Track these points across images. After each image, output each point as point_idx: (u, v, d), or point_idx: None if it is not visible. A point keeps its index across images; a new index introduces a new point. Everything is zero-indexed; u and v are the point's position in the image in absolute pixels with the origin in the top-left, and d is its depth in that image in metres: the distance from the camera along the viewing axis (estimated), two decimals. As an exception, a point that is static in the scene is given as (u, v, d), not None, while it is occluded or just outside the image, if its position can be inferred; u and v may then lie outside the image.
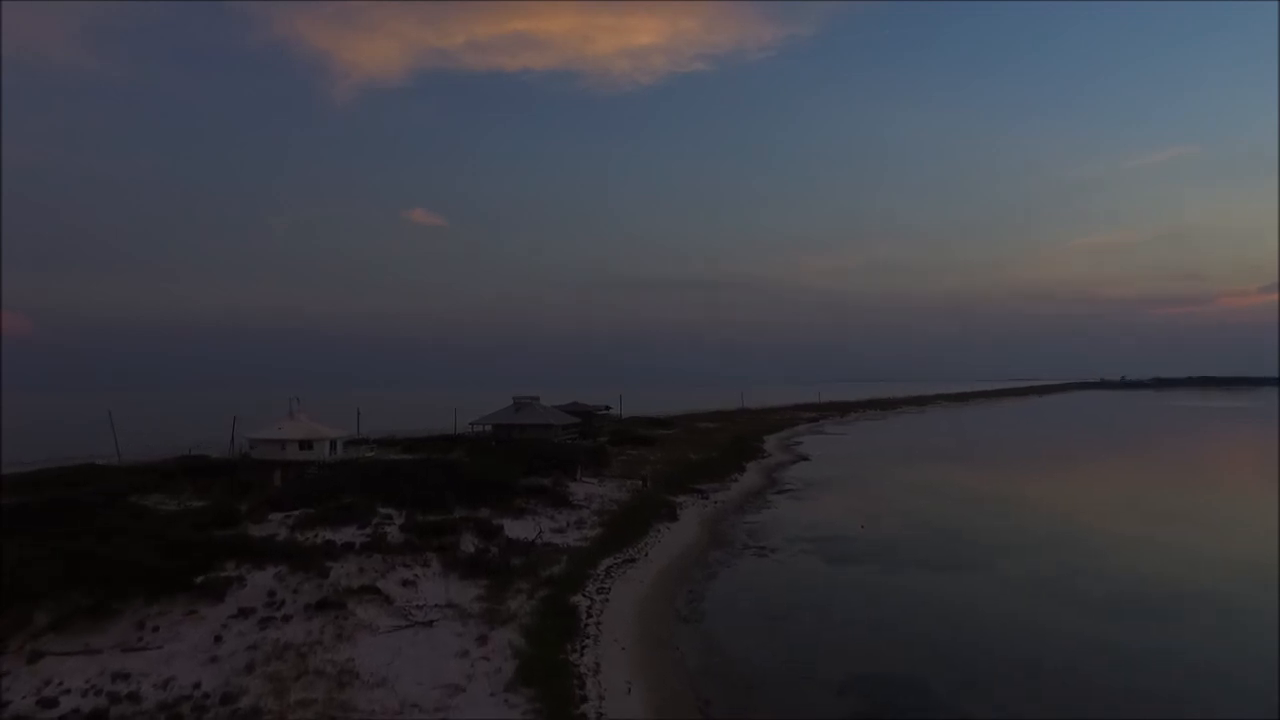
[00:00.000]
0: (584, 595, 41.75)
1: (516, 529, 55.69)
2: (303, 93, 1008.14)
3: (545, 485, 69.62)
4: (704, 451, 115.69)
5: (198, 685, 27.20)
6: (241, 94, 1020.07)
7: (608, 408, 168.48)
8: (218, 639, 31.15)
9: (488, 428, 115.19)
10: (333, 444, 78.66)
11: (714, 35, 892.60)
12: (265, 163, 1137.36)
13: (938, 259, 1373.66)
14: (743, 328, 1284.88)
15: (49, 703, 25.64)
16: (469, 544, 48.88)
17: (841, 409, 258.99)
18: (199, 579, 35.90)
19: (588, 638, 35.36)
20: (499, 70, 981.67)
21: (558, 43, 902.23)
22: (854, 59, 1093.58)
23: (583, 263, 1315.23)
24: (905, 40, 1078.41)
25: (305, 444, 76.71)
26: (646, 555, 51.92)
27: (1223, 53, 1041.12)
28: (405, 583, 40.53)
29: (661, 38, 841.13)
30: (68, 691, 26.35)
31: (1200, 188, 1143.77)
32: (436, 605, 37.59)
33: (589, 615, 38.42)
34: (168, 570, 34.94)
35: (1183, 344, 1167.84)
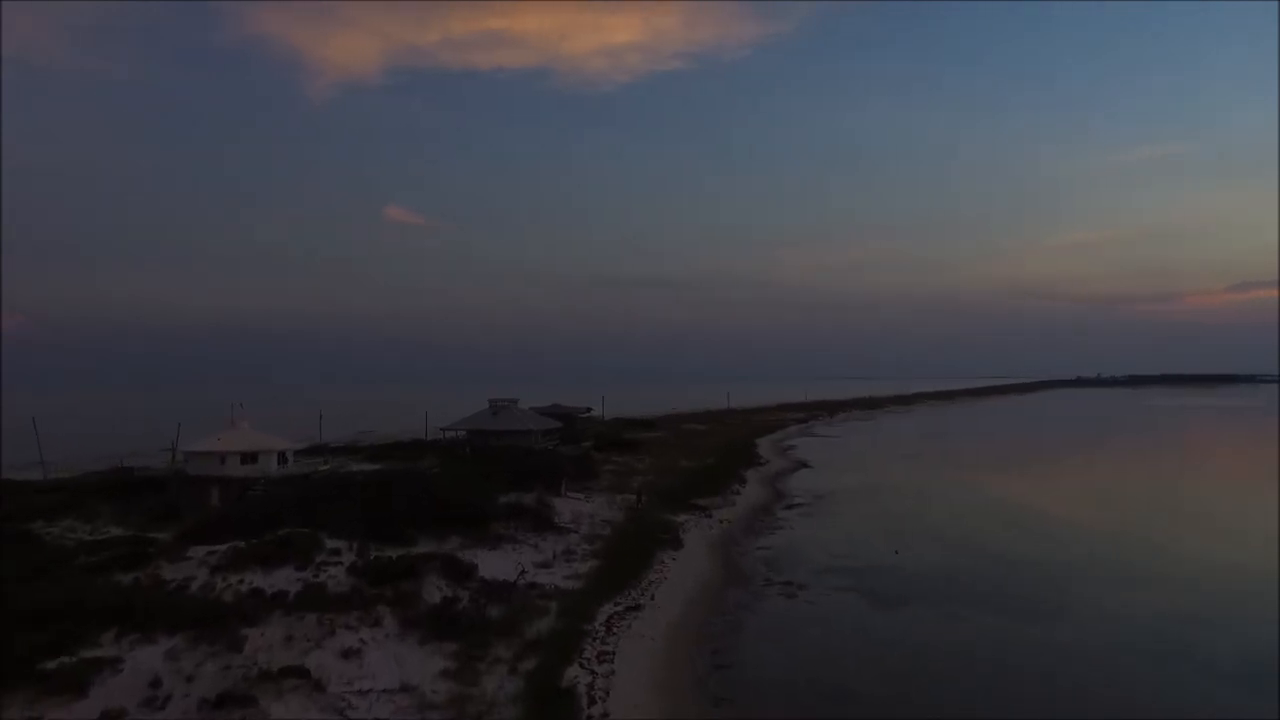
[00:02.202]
0: (581, 665, 32.32)
1: (493, 564, 46.16)
2: (279, 90, 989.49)
3: (527, 505, 60.03)
4: (696, 458, 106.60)
5: None
6: (217, 91, 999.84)
7: (589, 409, 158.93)
8: (56, 771, 21.38)
9: (461, 433, 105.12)
10: (281, 456, 68.48)
11: (693, 33, 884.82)
12: (242, 161, 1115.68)
13: (917, 256, 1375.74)
14: (722, 325, 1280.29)
15: None
16: (434, 589, 39.27)
17: (829, 409, 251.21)
18: (52, 664, 26.04)
19: (592, 740, 25.96)
20: (476, 68, 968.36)
21: (535, 41, 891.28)
22: (834, 56, 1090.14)
23: (561, 261, 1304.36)
24: (885, 37, 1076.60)
25: (248, 457, 66.47)
26: (652, 598, 42.54)
27: (1202, 52, 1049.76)
28: (347, 653, 30.90)
29: (640, 36, 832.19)
30: None
31: (1172, 187, 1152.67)
32: (386, 690, 28.03)
33: (591, 699, 28.99)
34: (4, 654, 25.09)
35: (1153, 342, 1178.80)
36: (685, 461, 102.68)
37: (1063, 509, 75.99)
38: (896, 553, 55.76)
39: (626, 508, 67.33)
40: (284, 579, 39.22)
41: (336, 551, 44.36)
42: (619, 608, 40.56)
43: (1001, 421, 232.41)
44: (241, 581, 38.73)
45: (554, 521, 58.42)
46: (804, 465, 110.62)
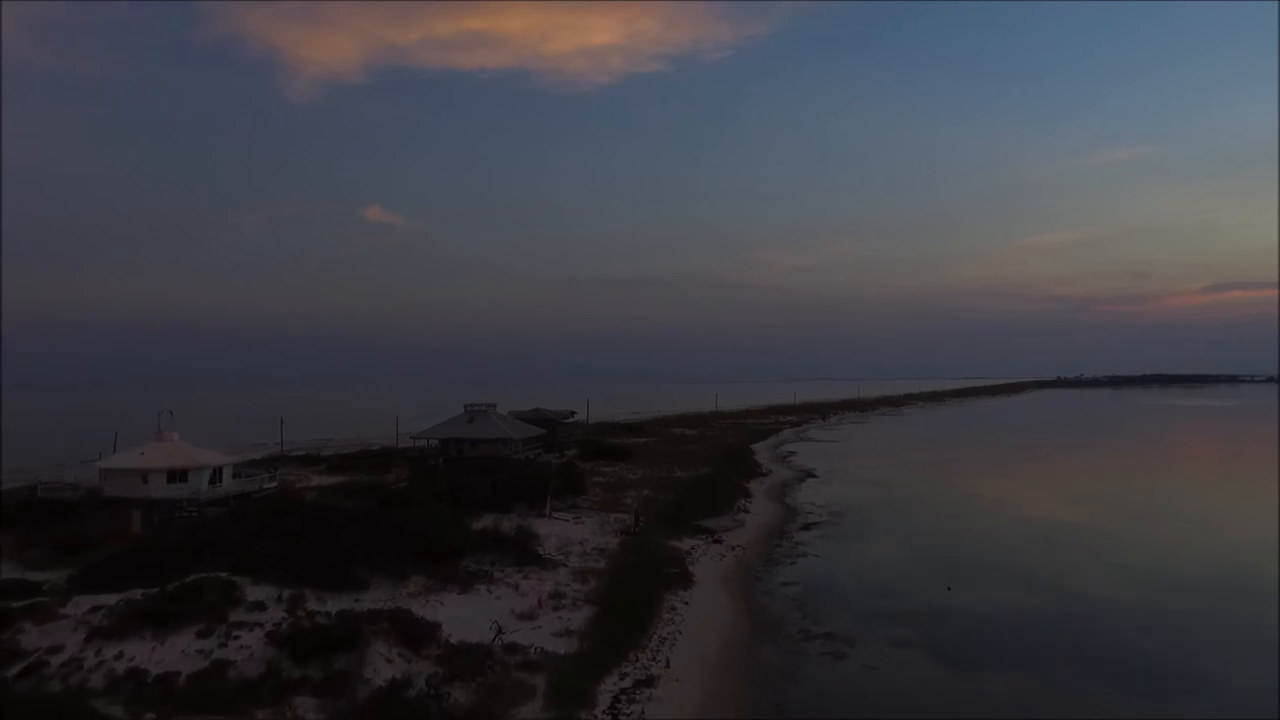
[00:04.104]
0: (582, 789, 22.83)
1: (462, 616, 36.72)
2: (258, 89, 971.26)
3: (506, 533, 50.47)
4: (692, 467, 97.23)
5: None
6: (195, 90, 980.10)
7: (573, 413, 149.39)
8: None
9: (434, 441, 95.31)
10: (216, 473, 58.45)
11: (671, 35, 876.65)
12: (220, 160, 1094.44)
13: (897, 257, 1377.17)
14: (704, 326, 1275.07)
15: None
16: (381, 662, 29.65)
17: (820, 411, 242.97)
18: None
19: None
20: (456, 68, 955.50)
21: (515, 41, 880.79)
22: (811, 58, 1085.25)
23: (541, 262, 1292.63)
24: (863, 38, 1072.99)
25: (177, 475, 56.43)
26: (667, 665, 33.05)
27: (1180, 55, 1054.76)
28: (243, 783, 21.23)
29: (619, 37, 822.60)
30: None
31: (1149, 189, 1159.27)
32: None
33: None
34: None
35: (1131, 342, 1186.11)
36: (680, 471, 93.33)
37: (1121, 527, 67.37)
38: (949, 589, 46.65)
39: (622, 531, 57.92)
40: (179, 651, 29.44)
41: (260, 605, 34.49)
42: (625, 681, 31.09)
43: (999, 423, 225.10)
44: (120, 656, 28.96)
45: (538, 552, 48.96)
46: (810, 475, 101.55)
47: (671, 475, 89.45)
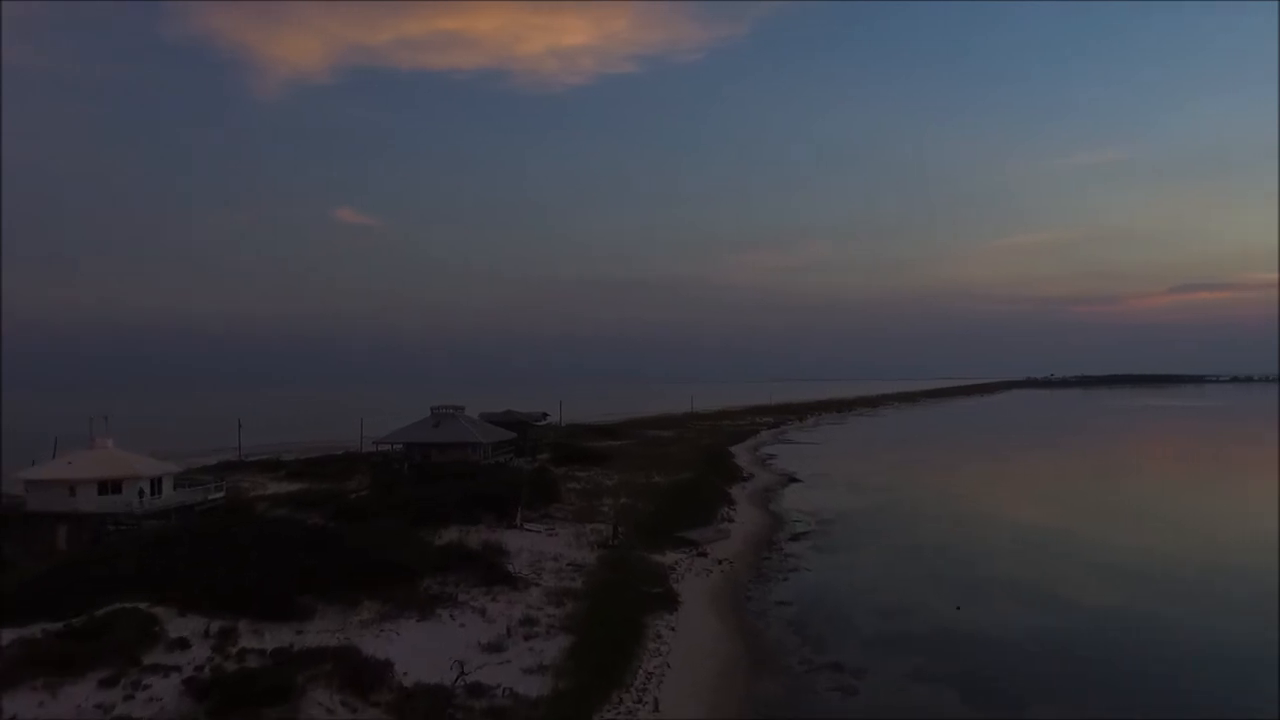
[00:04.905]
0: None
1: (421, 648, 32.22)
2: (226, 89, 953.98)
3: (472, 548, 45.92)
4: (670, 471, 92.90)
5: None
6: (161, 90, 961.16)
7: (545, 415, 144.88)
8: None
9: (398, 446, 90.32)
10: (153, 484, 53.32)
11: (642, 35, 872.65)
12: (188, 160, 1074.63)
13: (878, 257, 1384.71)
14: (676, 327, 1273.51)
15: None
16: (321, 713, 25.14)
17: (797, 412, 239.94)
18: None
19: None
20: (428, 69, 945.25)
21: (487, 42, 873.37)
22: (784, 59, 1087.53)
23: (515, 263, 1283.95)
24: (836, 40, 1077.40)
25: (109, 486, 51.26)
26: (655, 709, 28.81)
27: (1146, 59, 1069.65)
28: None
29: (590, 38, 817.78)
30: None
31: (1114, 191, 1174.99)
32: None
33: None
34: None
35: (1097, 343, 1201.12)
36: (658, 476, 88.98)
37: (1106, 529, 65.04)
38: (958, 609, 42.81)
39: (599, 544, 53.54)
40: (74, 705, 24.71)
41: (183, 643, 29.68)
42: (608, 730, 26.80)
43: (978, 424, 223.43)
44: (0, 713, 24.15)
45: (508, 570, 44.44)
46: (793, 479, 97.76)
47: (650, 481, 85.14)
